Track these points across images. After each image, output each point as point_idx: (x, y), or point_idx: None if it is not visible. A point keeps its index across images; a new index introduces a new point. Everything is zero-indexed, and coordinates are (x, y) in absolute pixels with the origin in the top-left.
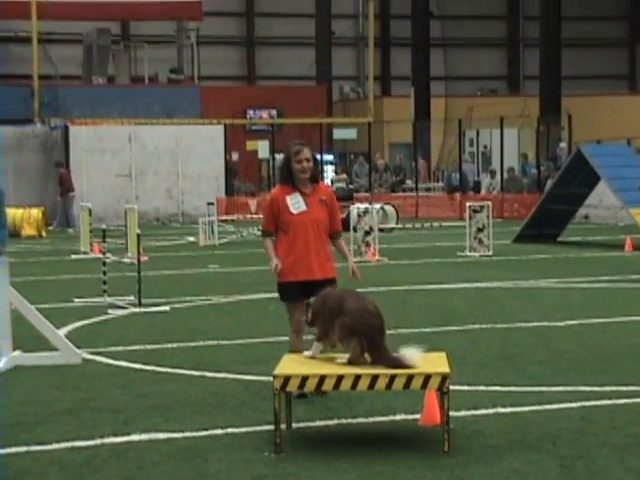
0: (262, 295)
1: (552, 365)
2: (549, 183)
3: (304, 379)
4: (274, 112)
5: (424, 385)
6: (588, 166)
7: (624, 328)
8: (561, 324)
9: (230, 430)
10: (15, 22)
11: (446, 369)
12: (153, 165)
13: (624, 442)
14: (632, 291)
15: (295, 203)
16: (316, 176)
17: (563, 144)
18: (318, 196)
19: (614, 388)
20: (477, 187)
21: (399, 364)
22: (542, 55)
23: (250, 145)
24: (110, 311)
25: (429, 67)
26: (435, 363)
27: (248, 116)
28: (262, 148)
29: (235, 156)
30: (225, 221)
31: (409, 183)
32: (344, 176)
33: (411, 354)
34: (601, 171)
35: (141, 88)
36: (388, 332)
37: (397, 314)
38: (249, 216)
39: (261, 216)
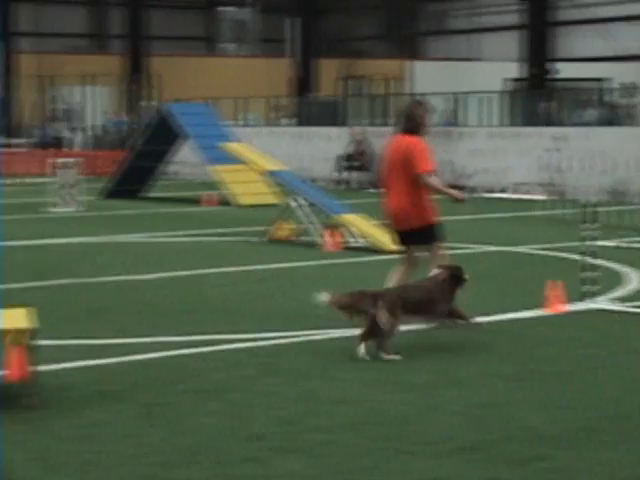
0: None
1: (138, 317)
2: (134, 140)
3: None
4: None
5: (12, 342)
6: (170, 124)
7: (205, 280)
8: (147, 277)
9: None
10: None
11: (33, 325)
12: None
13: (205, 388)
14: (209, 244)
15: None
16: None
17: (148, 102)
18: None
19: (197, 337)
20: (64, 144)
21: None
22: (128, 15)
23: None
24: None
25: (7, 22)
26: (22, 319)
27: None
28: None
29: None
30: None
31: None
32: None
33: None
34: (183, 129)
35: None
36: None
37: None
38: None
39: None
